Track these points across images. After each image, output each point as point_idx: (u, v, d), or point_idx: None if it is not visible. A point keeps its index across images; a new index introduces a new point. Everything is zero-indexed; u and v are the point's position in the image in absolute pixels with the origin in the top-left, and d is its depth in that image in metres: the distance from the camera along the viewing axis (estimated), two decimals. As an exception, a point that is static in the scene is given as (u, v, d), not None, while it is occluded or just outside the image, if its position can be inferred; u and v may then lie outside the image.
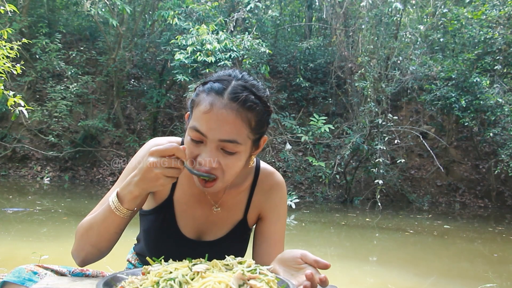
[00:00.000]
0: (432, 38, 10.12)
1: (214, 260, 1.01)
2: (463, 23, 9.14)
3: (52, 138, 10.00)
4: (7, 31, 5.13)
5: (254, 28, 9.72)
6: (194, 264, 0.98)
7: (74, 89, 10.39)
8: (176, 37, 8.85)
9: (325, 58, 11.77)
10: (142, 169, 1.09)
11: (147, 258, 1.12)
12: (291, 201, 7.82)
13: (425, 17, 11.07)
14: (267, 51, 8.89)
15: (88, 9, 9.55)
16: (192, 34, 8.52)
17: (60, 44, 10.74)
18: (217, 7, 9.90)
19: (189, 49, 8.30)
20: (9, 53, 5.02)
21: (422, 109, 10.80)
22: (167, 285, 0.91)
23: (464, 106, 8.70)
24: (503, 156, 8.37)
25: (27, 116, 5.31)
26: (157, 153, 1.07)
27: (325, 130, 8.92)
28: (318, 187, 9.66)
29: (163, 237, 1.29)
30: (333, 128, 9.34)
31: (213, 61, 8.23)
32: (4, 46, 4.99)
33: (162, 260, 1.08)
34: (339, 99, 11.15)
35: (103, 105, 11.42)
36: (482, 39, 8.89)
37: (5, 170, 9.97)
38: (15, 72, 5.01)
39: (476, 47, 9.16)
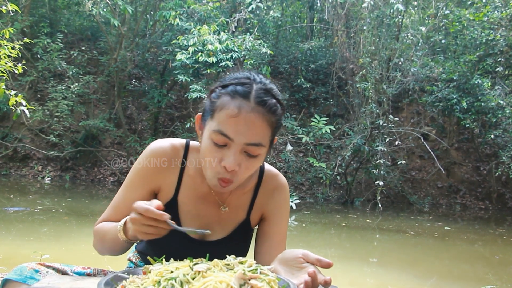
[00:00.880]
0: (434, 39, 10.12)
1: (215, 260, 1.02)
2: (465, 24, 9.13)
3: (53, 138, 10.01)
4: (9, 30, 5.14)
5: (256, 29, 9.72)
6: (195, 264, 0.98)
7: (75, 89, 10.41)
8: (177, 38, 8.86)
9: (327, 59, 11.77)
10: (130, 220, 1.10)
11: (148, 257, 1.13)
12: (291, 201, 7.82)
13: (426, 18, 11.08)
14: (269, 51, 8.90)
15: (89, 9, 9.56)
16: (194, 34, 8.52)
17: (61, 44, 10.76)
18: (219, 7, 9.91)
19: (191, 49, 8.31)
20: (10, 52, 5.03)
21: (423, 111, 10.80)
22: (168, 284, 0.91)
23: (465, 107, 8.69)
24: (504, 158, 8.36)
25: (28, 115, 5.32)
26: (136, 211, 1.06)
27: (326, 131, 8.92)
28: (319, 188, 9.65)
29: (167, 236, 1.26)
30: (334, 129, 9.34)
31: (214, 62, 8.24)
32: (6, 45, 5.00)
33: (163, 259, 1.08)
34: (340, 100, 11.15)
35: (104, 105, 11.43)
36: (484, 40, 8.88)
37: (6, 170, 9.98)
38: (16, 72, 5.03)
39: (478, 49, 9.16)
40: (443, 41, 10.08)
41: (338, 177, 9.59)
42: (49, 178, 9.82)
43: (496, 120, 8.70)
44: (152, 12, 11.90)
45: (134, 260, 1.53)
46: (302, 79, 10.93)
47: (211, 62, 8.23)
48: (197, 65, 8.42)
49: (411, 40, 9.54)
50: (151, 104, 10.79)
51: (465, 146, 10.78)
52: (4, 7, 5.03)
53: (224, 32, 8.69)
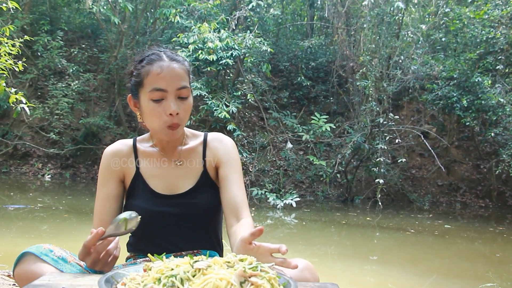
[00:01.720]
0: (434, 37, 10.11)
1: (216, 257, 1.02)
2: (465, 22, 9.12)
3: (54, 136, 10.01)
4: (9, 28, 5.14)
5: (256, 27, 9.71)
6: (195, 261, 0.98)
7: (76, 86, 10.41)
8: (177, 35, 8.86)
9: (327, 57, 11.77)
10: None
11: (149, 255, 1.13)
12: (291, 199, 7.83)
13: (427, 16, 11.07)
14: (269, 49, 8.89)
15: (90, 7, 9.56)
16: (194, 32, 8.51)
17: (61, 42, 10.76)
18: (219, 5, 9.89)
19: (191, 47, 8.30)
20: (11, 50, 5.03)
21: (423, 109, 10.79)
22: (168, 281, 0.91)
23: (466, 105, 8.69)
24: (504, 156, 8.36)
25: (28, 113, 5.32)
26: (83, 254, 1.19)
27: (326, 129, 8.92)
28: (319, 186, 9.66)
29: (141, 201, 1.52)
30: (334, 127, 9.33)
31: (214, 60, 8.23)
32: (6, 43, 5.00)
33: (164, 256, 1.08)
34: (341, 98, 11.15)
35: (104, 102, 11.43)
36: (484, 38, 8.87)
37: (6, 167, 9.99)
38: (17, 69, 5.02)
39: (478, 47, 9.15)
40: (443, 39, 10.06)
41: (338, 175, 9.59)
42: (49, 176, 9.82)
43: (497, 118, 8.69)
44: (152, 10, 11.90)
45: (133, 255, 1.56)
46: (302, 77, 10.92)
47: (211, 60, 8.23)
48: (197, 63, 8.42)
49: (412, 38, 9.53)
50: (151, 102, 10.76)
51: (465, 144, 10.78)
52: (4, 5, 5.03)
53: (224, 30, 8.68)
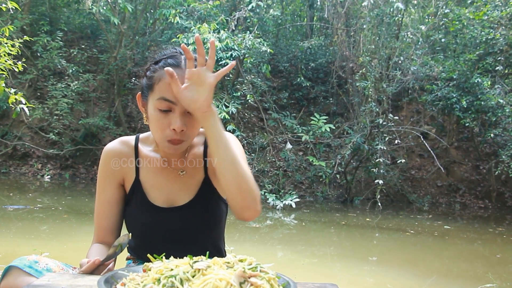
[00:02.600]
0: (434, 38, 10.11)
1: (215, 258, 1.02)
2: (465, 23, 9.13)
3: (53, 136, 10.00)
4: (8, 28, 5.14)
5: (256, 27, 9.71)
6: (195, 262, 0.98)
7: (75, 87, 10.40)
8: (177, 36, 8.86)
9: (326, 58, 11.77)
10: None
11: (148, 255, 1.13)
12: (291, 200, 7.83)
13: (426, 17, 11.06)
14: (269, 50, 8.89)
15: (89, 7, 9.56)
16: (194, 33, 8.52)
17: (61, 42, 10.75)
18: (219, 6, 9.89)
19: (190, 48, 8.29)
20: (10, 50, 5.03)
21: (423, 110, 10.80)
22: (168, 282, 0.91)
23: (465, 106, 8.69)
24: (503, 157, 8.36)
25: (28, 113, 5.32)
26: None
27: (325, 129, 8.92)
28: (319, 187, 9.66)
29: (139, 212, 1.45)
30: (333, 127, 9.34)
31: (214, 60, 8.22)
32: (6, 43, 5.00)
33: (163, 257, 1.08)
34: (340, 99, 11.15)
35: (104, 103, 11.42)
36: (484, 39, 8.88)
37: (5, 168, 9.98)
38: (16, 70, 5.02)
39: (478, 48, 9.15)
40: (443, 40, 10.07)
41: (338, 175, 9.59)
42: (49, 176, 9.82)
43: (496, 119, 8.70)
44: (152, 10, 11.90)
45: (132, 257, 1.55)
46: (302, 78, 10.92)
47: (211, 60, 8.22)
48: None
49: (411, 39, 9.54)
50: (151, 102, 10.77)
51: (464, 145, 10.79)
52: (4, 5, 5.03)
53: (224, 30, 8.68)
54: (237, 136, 8.50)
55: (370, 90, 8.81)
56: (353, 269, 4.68)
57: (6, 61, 4.91)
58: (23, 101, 4.85)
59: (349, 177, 9.47)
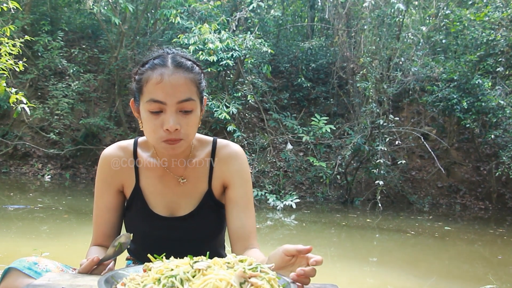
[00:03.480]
0: (434, 39, 10.11)
1: (215, 258, 1.02)
2: (466, 24, 9.12)
3: (54, 136, 10.01)
4: (9, 28, 5.14)
5: (256, 28, 9.72)
6: (195, 262, 0.98)
7: (76, 87, 10.41)
8: (178, 36, 8.86)
9: (327, 59, 11.77)
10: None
11: (148, 255, 1.13)
12: (291, 201, 7.83)
13: (427, 18, 11.07)
14: (269, 50, 8.89)
15: (90, 7, 9.56)
16: (194, 33, 8.52)
17: (62, 42, 10.76)
18: (220, 6, 9.90)
19: (191, 48, 8.30)
20: (11, 50, 5.04)
21: (423, 110, 10.79)
22: (168, 282, 0.91)
23: (466, 107, 8.68)
24: (504, 158, 8.36)
25: (28, 113, 5.33)
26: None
27: (326, 130, 8.92)
28: (319, 188, 9.66)
29: (139, 220, 1.41)
30: (334, 128, 9.33)
31: (215, 61, 8.24)
32: (7, 43, 5.01)
33: (164, 257, 1.08)
34: (341, 99, 11.15)
35: (104, 103, 11.43)
36: (485, 40, 8.87)
37: (6, 168, 9.99)
38: (17, 70, 5.03)
39: (479, 49, 9.15)
40: (443, 41, 10.07)
41: (338, 176, 9.59)
42: (49, 176, 9.82)
43: (497, 120, 8.69)
44: (153, 11, 11.89)
45: (132, 258, 1.54)
46: (303, 78, 10.92)
47: (211, 61, 8.23)
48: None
49: (412, 40, 9.54)
50: (151, 102, 10.77)
51: (465, 146, 10.78)
52: (5, 5, 5.03)
53: (225, 31, 8.69)
54: (237, 137, 8.51)
55: (371, 91, 8.81)
56: (353, 270, 4.68)
57: (7, 61, 4.91)
58: (24, 100, 4.85)
59: (349, 178, 9.47)
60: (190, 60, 1.34)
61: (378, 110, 8.86)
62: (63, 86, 10.46)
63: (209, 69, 8.57)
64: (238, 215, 1.40)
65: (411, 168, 10.41)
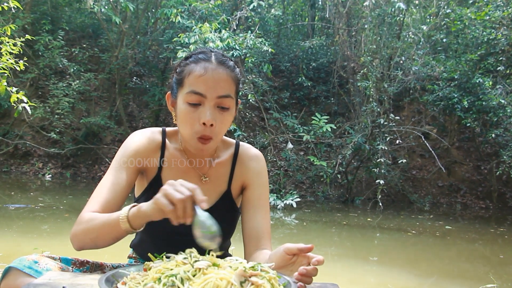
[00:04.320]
0: (435, 38, 10.11)
1: (215, 258, 1.02)
2: (466, 23, 9.12)
3: (54, 135, 10.01)
4: (10, 27, 5.14)
5: (257, 27, 9.71)
6: (196, 261, 0.98)
7: (77, 86, 10.41)
8: (178, 35, 8.85)
9: (328, 58, 11.76)
10: (159, 204, 1.09)
11: (149, 254, 1.13)
12: (292, 200, 7.82)
13: (428, 17, 11.06)
14: (270, 50, 8.88)
15: (91, 6, 9.55)
16: (195, 32, 8.51)
17: (62, 41, 10.76)
18: (220, 5, 9.89)
19: (192, 47, 8.29)
20: (12, 49, 5.04)
21: (424, 110, 10.79)
22: (168, 281, 0.91)
23: (467, 106, 8.68)
24: (505, 157, 8.35)
25: (29, 112, 5.33)
26: (181, 189, 1.10)
27: (327, 129, 8.92)
28: (320, 187, 9.66)
29: None
30: (335, 127, 9.33)
31: (215, 60, 8.22)
32: (8, 42, 5.01)
33: (164, 256, 1.08)
34: (341, 98, 11.14)
35: (105, 102, 11.43)
36: (485, 39, 8.87)
37: (7, 167, 9.99)
38: (18, 69, 5.03)
39: (479, 48, 9.14)
40: (444, 40, 10.06)
41: (339, 175, 9.59)
42: (50, 175, 9.82)
43: (497, 119, 8.68)
44: (153, 10, 11.89)
45: (134, 257, 1.54)
46: (303, 78, 10.91)
47: (212, 60, 8.22)
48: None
49: (413, 39, 9.53)
50: (152, 101, 10.79)
51: (466, 145, 10.77)
52: (6, 4, 5.03)
53: (225, 30, 8.68)
54: (238, 136, 8.51)
55: (372, 90, 8.80)
56: (354, 269, 4.68)
57: (7, 60, 4.91)
58: (25, 100, 4.85)
59: (350, 177, 9.46)
60: (231, 60, 1.37)
61: (378, 109, 8.85)
62: (64, 85, 10.47)
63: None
64: (254, 215, 1.43)
65: (411, 167, 10.40)
